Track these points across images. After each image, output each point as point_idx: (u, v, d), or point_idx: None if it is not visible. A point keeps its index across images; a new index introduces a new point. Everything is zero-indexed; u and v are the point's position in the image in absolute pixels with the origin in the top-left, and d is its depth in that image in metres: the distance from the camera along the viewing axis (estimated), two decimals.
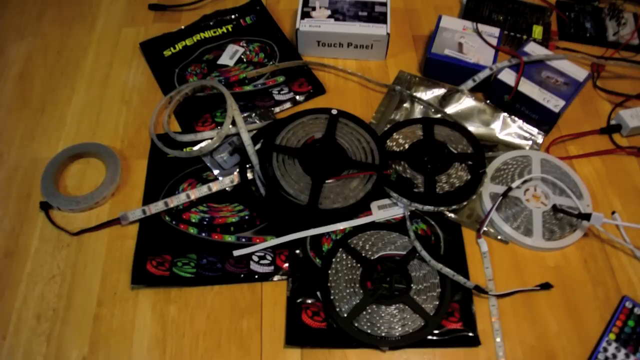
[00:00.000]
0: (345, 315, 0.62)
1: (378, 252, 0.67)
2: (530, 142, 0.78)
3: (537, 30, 0.88)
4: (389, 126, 0.78)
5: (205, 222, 0.70)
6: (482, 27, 0.85)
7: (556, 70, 0.80)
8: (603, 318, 0.64)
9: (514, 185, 0.71)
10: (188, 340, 0.62)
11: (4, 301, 0.65)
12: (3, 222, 0.71)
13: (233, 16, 0.93)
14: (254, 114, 0.80)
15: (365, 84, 0.86)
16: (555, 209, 0.70)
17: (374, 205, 0.71)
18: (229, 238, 0.69)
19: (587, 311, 0.64)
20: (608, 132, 0.80)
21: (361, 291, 0.64)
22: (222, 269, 0.66)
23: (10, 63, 0.88)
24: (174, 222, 0.70)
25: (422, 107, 0.81)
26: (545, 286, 0.65)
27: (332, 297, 0.63)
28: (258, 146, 0.75)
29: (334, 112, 0.77)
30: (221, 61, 0.87)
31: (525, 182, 0.73)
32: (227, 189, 0.73)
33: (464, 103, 0.81)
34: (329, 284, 0.65)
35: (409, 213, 0.70)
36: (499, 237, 0.70)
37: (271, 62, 0.87)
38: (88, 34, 0.92)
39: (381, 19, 0.85)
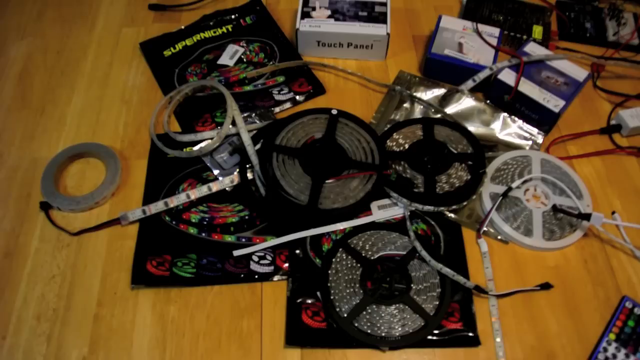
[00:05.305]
0: (345, 315, 0.62)
1: (378, 252, 0.67)
2: (530, 142, 0.78)
3: (537, 30, 0.89)
4: (389, 126, 0.78)
5: (205, 222, 0.70)
6: (482, 27, 0.85)
7: (556, 70, 0.80)
8: (603, 318, 0.64)
9: (514, 185, 0.71)
10: (188, 340, 0.62)
11: (4, 301, 0.65)
12: (3, 222, 0.71)
13: (233, 16, 0.93)
14: (254, 114, 0.80)
15: (365, 84, 0.86)
16: (555, 209, 0.70)
17: (374, 205, 0.71)
18: (229, 238, 0.69)
19: (587, 311, 0.64)
20: (608, 132, 0.80)
21: (361, 291, 0.64)
22: (222, 269, 0.66)
23: (10, 63, 0.88)
24: (174, 222, 0.70)
25: (422, 107, 0.82)
26: (545, 286, 0.65)
27: (332, 297, 0.63)
28: (258, 146, 0.75)
29: (334, 112, 0.77)
30: (221, 61, 0.87)
31: (525, 182, 0.73)
32: (227, 189, 0.73)
33: (464, 103, 0.81)
34: (329, 284, 0.65)
35: (409, 213, 0.70)
36: (499, 237, 0.70)
37: (271, 62, 0.87)
38: (88, 34, 0.92)
39: (381, 19, 0.85)
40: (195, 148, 0.77)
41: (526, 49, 0.82)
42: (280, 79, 0.85)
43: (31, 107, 0.83)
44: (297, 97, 0.83)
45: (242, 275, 0.66)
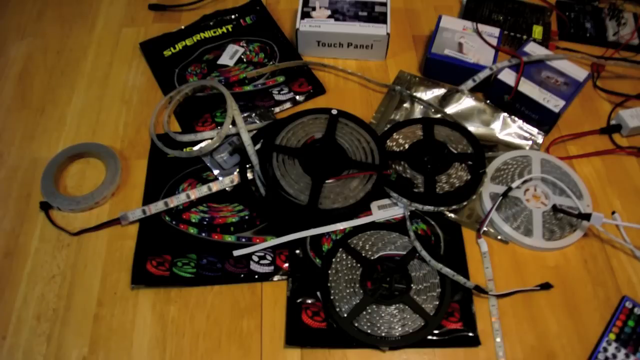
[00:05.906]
0: (345, 315, 0.62)
1: (378, 252, 0.67)
2: (530, 142, 0.78)
3: (537, 30, 0.88)
4: (389, 126, 0.78)
5: (205, 222, 0.70)
6: (482, 27, 0.85)
7: (556, 70, 0.80)
8: (603, 318, 0.64)
9: (514, 185, 0.71)
10: (188, 340, 0.62)
11: (4, 301, 0.65)
12: (3, 222, 0.71)
13: (233, 16, 0.93)
14: (254, 114, 0.80)
15: (365, 84, 0.86)
16: (555, 209, 0.70)
17: (374, 205, 0.71)
18: (229, 238, 0.69)
19: (587, 311, 0.64)
20: (608, 132, 0.80)
21: (361, 291, 0.64)
22: (222, 269, 0.66)
23: (10, 63, 0.88)
24: (174, 222, 0.70)
25: (422, 107, 0.82)
26: (545, 286, 0.65)
27: (332, 297, 0.63)
28: (258, 146, 0.75)
29: (334, 112, 0.77)
30: (221, 61, 0.87)
31: (525, 182, 0.73)
32: (227, 189, 0.73)
33: (464, 103, 0.81)
34: (329, 284, 0.65)
35: (409, 213, 0.70)
36: (499, 237, 0.70)
37: (271, 62, 0.87)
38: (88, 34, 0.92)
39: (381, 19, 0.85)
40: (195, 148, 0.77)
41: (526, 49, 0.82)
42: (280, 79, 0.85)
43: (31, 107, 0.83)
44: (297, 97, 0.83)
45: (242, 275, 0.66)
